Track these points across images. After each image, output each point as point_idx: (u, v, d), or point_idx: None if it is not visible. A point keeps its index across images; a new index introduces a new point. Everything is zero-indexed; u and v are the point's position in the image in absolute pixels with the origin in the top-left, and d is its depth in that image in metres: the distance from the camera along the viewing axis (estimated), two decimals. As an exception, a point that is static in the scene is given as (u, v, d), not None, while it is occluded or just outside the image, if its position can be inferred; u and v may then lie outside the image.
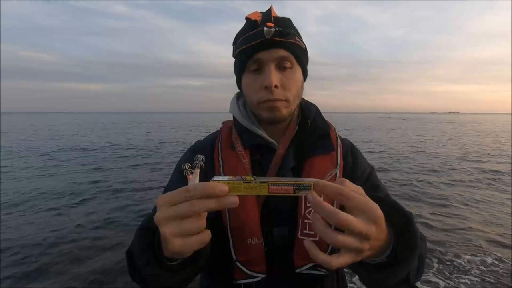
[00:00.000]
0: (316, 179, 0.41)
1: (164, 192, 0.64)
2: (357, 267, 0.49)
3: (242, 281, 0.64)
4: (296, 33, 0.68)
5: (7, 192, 6.02)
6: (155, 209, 0.50)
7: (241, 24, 0.70)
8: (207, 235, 0.43)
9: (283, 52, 0.65)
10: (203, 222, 0.42)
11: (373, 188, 0.73)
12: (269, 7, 0.69)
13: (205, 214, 0.43)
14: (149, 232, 0.51)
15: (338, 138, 0.77)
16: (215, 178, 0.43)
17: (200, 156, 0.48)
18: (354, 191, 0.41)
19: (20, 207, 5.13)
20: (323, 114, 0.80)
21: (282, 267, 0.65)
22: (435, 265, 3.24)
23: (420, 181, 6.92)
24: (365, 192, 0.43)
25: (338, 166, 0.70)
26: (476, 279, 3.00)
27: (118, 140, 16.56)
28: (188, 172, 0.46)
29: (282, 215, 0.67)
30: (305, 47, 0.72)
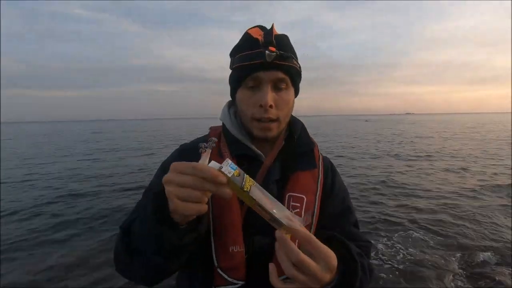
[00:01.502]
0: (290, 224, 0.51)
1: (149, 186, 0.75)
2: None
3: (222, 287, 0.65)
4: (293, 55, 0.71)
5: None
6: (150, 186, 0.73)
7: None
8: (204, 207, 0.49)
9: (280, 74, 0.68)
10: (202, 195, 0.48)
11: (346, 210, 0.79)
12: (271, 26, 0.71)
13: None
14: (158, 197, 0.53)
15: (320, 156, 0.81)
16: (226, 164, 0.50)
17: (214, 139, 0.54)
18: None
19: None
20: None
21: (262, 274, 0.65)
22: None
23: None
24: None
25: (318, 185, 0.74)
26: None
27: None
28: (203, 150, 0.52)
29: (265, 223, 0.69)
30: (300, 67, 0.75)
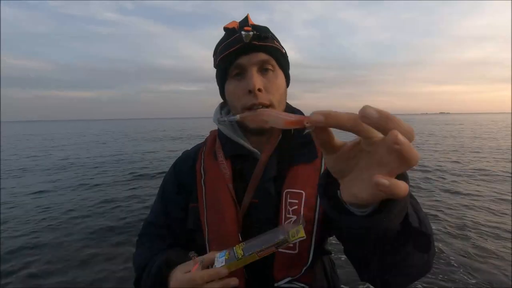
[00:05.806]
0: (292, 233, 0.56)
1: (150, 215, 0.78)
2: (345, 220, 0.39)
3: None
4: (274, 38, 0.69)
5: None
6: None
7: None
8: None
9: (263, 56, 0.65)
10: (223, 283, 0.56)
11: None
12: (246, 15, 0.69)
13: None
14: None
15: None
16: (216, 260, 0.58)
17: (193, 253, 0.61)
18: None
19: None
20: None
21: (261, 280, 0.64)
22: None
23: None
24: None
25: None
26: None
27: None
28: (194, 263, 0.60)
29: (263, 227, 0.66)
30: (285, 52, 0.72)
